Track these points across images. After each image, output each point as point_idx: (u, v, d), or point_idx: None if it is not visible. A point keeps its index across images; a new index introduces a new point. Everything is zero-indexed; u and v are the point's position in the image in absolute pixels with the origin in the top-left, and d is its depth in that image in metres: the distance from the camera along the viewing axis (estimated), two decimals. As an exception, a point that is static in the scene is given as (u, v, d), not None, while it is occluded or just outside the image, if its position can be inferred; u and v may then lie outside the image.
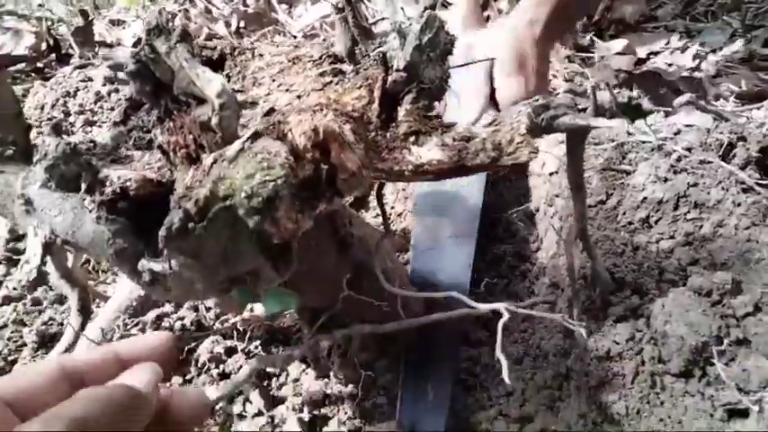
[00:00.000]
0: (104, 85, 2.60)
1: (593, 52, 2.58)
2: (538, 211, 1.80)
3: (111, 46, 3.59)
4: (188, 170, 0.80)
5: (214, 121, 0.77)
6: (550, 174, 1.74)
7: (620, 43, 2.54)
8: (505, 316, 0.98)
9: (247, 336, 1.72)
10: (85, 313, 1.36)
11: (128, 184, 0.96)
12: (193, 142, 0.79)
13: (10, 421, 0.37)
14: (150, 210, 1.02)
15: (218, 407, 1.47)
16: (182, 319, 1.79)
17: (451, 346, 1.67)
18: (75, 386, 0.42)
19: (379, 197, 1.17)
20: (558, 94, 1.10)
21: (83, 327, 1.33)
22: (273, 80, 1.18)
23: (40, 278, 1.95)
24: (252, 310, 1.86)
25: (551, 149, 1.73)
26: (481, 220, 1.92)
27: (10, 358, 1.69)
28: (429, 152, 1.01)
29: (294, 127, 0.84)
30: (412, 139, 1.01)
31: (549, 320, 1.64)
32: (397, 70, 0.98)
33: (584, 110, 1.09)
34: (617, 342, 1.20)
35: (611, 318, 1.25)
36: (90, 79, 2.66)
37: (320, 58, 1.20)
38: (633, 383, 1.15)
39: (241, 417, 1.53)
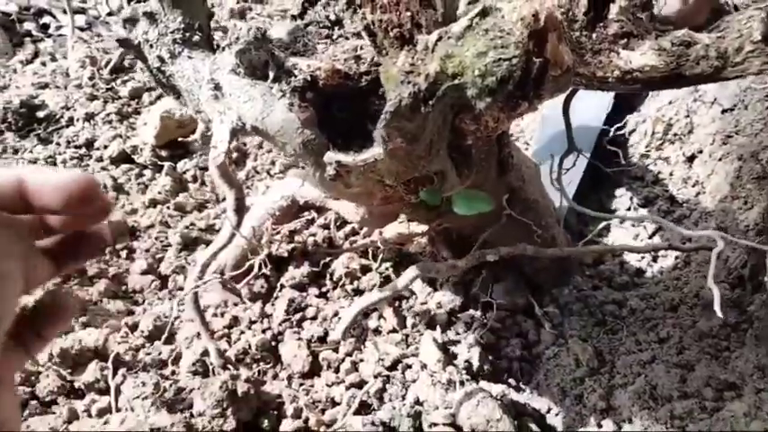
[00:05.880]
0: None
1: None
2: (701, 152, 1.63)
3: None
4: (398, 53, 0.75)
5: (439, -6, 0.71)
6: (723, 111, 1.57)
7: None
8: (720, 245, 0.89)
9: (379, 257, 1.72)
10: (240, 212, 1.40)
11: (317, 72, 0.93)
12: (410, 20, 0.73)
13: None
14: (332, 105, 1.00)
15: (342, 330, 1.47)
16: (313, 235, 1.82)
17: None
18: None
19: (566, 107, 1.09)
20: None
21: (238, 224, 1.36)
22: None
23: (181, 185, 2.03)
24: (381, 233, 1.86)
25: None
26: (623, 159, 1.78)
27: (158, 256, 1.79)
28: (642, 57, 0.90)
29: (508, 14, 0.76)
30: (622, 41, 0.91)
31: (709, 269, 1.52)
32: (617, -40, 0.87)
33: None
34: (816, 292, 1.07)
35: (808, 265, 1.11)
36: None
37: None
38: (834, 338, 1.03)
39: (377, 332, 1.54)
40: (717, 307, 0.79)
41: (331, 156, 0.89)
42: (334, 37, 1.09)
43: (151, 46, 1.03)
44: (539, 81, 0.79)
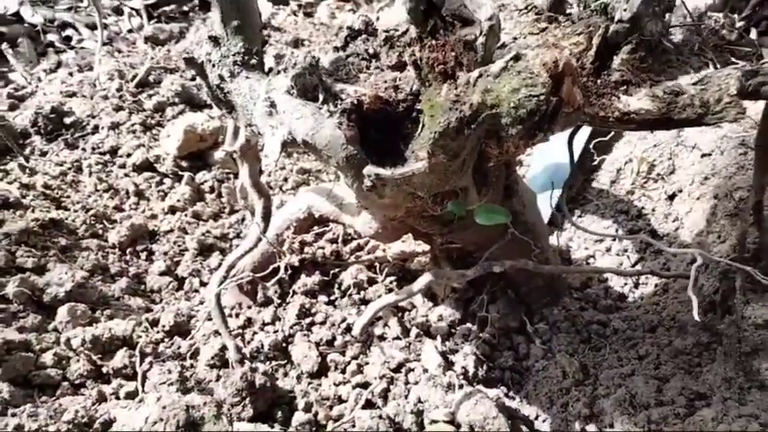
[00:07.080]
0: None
1: (742, 46, 2.53)
2: (681, 191, 1.81)
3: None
4: (441, 86, 0.91)
5: (480, 40, 0.86)
6: (702, 155, 1.75)
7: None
8: (699, 260, 1.04)
9: (385, 272, 1.86)
10: (268, 219, 1.53)
11: (363, 98, 1.09)
12: (454, 59, 0.89)
13: None
14: (369, 127, 1.15)
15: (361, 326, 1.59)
16: (322, 248, 1.95)
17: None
18: None
19: (571, 140, 1.25)
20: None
21: (265, 230, 1.49)
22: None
23: (199, 195, 2.15)
24: (384, 250, 2.00)
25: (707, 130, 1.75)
26: (614, 195, 1.97)
27: (175, 259, 1.90)
28: (638, 102, 1.07)
29: (532, 59, 0.93)
30: (623, 87, 1.08)
31: (686, 295, 1.68)
32: (620, 21, 1.04)
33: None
34: (778, 314, 1.23)
35: (772, 291, 1.28)
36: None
37: (526, 8, 1.28)
38: (792, 354, 1.19)
39: (382, 338, 1.66)
40: (695, 313, 0.94)
41: (370, 169, 1.03)
42: (371, 69, 1.25)
43: (213, 65, 1.18)
44: (553, 116, 0.95)
